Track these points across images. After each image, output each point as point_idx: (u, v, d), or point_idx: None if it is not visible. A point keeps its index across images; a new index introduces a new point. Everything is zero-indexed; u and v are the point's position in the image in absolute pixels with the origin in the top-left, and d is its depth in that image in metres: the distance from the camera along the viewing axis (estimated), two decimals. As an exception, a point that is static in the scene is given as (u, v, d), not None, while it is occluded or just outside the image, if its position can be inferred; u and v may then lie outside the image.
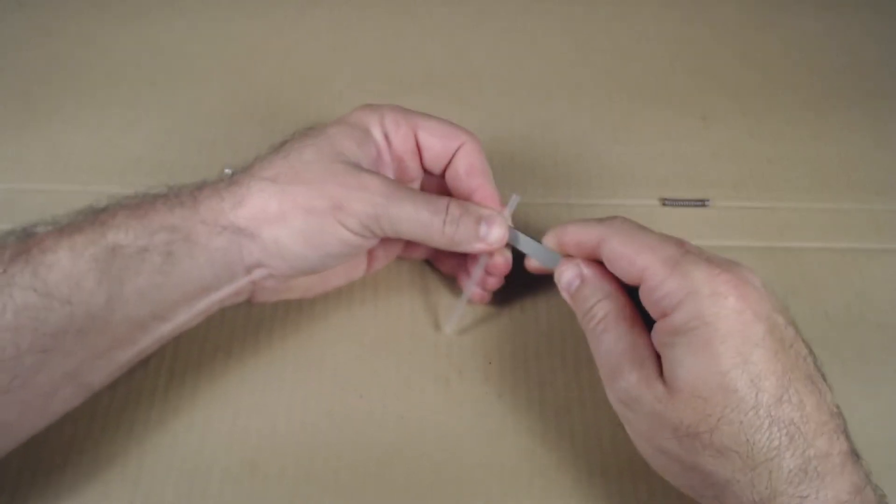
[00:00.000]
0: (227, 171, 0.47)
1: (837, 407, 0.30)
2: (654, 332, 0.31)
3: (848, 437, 0.29)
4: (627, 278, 0.32)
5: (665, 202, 0.47)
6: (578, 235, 0.34)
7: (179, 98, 0.52)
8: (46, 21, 0.56)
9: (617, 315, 0.32)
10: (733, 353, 0.28)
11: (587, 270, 0.34)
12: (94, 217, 0.33)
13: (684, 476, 0.30)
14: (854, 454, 0.29)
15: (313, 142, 0.35)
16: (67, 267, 0.31)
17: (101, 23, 0.56)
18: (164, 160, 0.48)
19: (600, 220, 0.34)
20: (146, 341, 0.34)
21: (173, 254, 0.32)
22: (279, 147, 0.36)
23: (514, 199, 0.38)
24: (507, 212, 0.38)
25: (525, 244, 0.37)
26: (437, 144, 0.38)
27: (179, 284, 0.33)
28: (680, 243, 0.32)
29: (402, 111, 0.38)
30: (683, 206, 0.47)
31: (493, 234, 0.36)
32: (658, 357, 0.31)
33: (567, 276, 0.35)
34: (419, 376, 0.40)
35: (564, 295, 0.35)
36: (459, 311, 0.40)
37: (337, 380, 0.40)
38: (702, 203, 0.47)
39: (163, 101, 0.51)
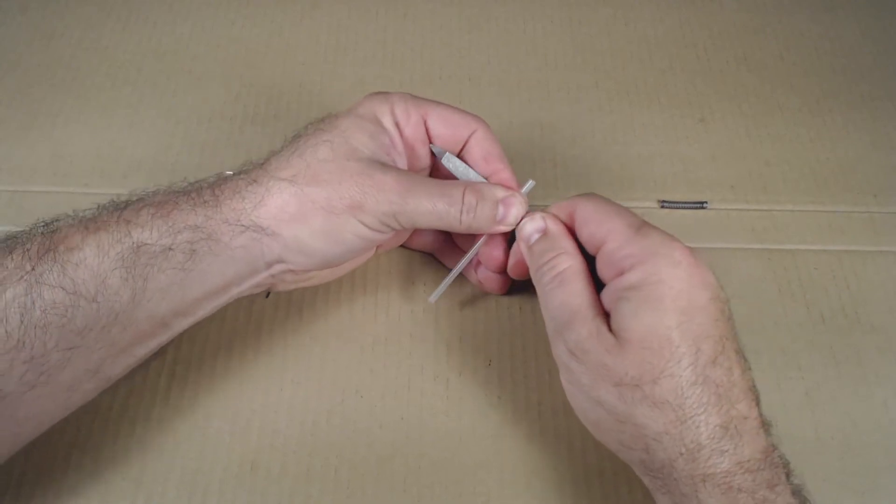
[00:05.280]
0: (228, 172, 0.47)
1: (754, 382, 0.32)
2: (606, 291, 0.33)
3: (760, 410, 0.31)
4: (591, 241, 0.34)
5: (663, 204, 0.47)
6: (555, 208, 0.36)
7: (181, 100, 0.52)
8: (49, 24, 0.56)
9: (576, 271, 0.34)
10: (681, 312, 0.30)
11: (552, 225, 0.36)
12: (118, 214, 0.33)
13: (616, 430, 0.32)
14: (765, 425, 0.31)
15: (328, 138, 0.36)
16: (94, 265, 0.31)
17: (104, 25, 0.56)
18: (166, 162, 0.48)
19: (575, 195, 0.36)
20: (166, 335, 0.35)
21: (196, 252, 0.33)
22: (293, 142, 0.36)
23: (530, 184, 0.39)
24: (523, 192, 0.39)
25: None
26: (447, 133, 0.39)
27: (201, 281, 0.34)
28: (639, 217, 0.34)
29: (411, 99, 0.38)
30: (681, 208, 0.47)
31: (511, 216, 0.37)
32: (607, 316, 0.32)
33: (529, 227, 0.36)
34: (419, 376, 0.40)
35: (522, 246, 0.37)
36: (446, 282, 0.40)
37: (337, 380, 0.40)
38: (700, 205, 0.47)
39: (165, 103, 0.52)
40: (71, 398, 0.33)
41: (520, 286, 0.43)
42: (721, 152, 0.50)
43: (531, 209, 0.38)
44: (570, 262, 0.34)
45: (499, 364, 0.41)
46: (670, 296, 0.31)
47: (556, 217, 0.36)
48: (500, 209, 0.37)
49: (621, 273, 0.32)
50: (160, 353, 0.40)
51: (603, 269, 0.34)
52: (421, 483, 0.37)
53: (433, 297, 0.41)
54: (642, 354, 0.30)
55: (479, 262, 0.41)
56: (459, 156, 0.39)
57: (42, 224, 0.33)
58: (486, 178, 0.39)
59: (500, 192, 0.37)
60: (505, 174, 0.38)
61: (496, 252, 0.39)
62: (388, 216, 0.35)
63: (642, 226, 0.33)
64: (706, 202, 0.48)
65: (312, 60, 0.55)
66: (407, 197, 0.35)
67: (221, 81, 0.53)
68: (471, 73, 0.54)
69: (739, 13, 0.59)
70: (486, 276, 0.41)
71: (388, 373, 0.40)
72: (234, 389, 0.40)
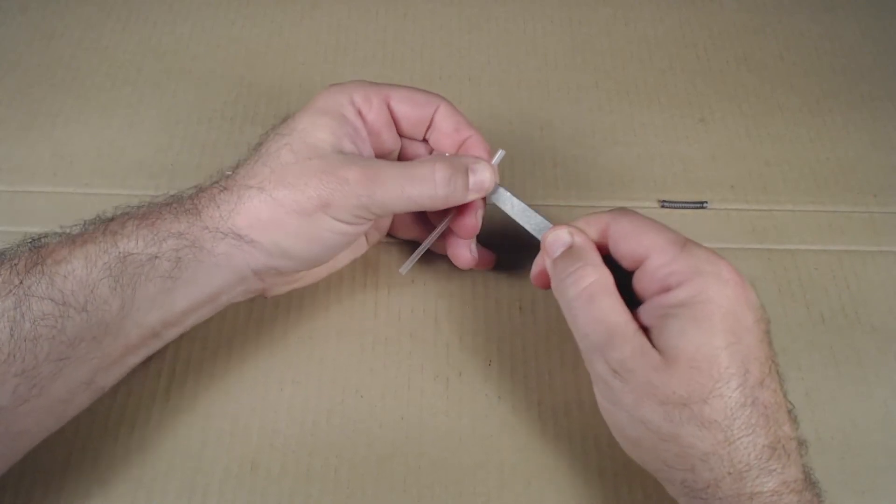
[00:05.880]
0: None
1: (791, 404, 0.32)
2: (646, 307, 0.32)
3: (798, 430, 0.32)
4: (630, 257, 0.33)
5: (663, 204, 0.47)
6: (586, 222, 0.35)
7: (181, 100, 0.52)
8: (49, 24, 0.56)
9: (604, 285, 0.33)
10: (730, 332, 0.30)
11: (578, 239, 0.35)
12: (104, 227, 0.33)
13: (659, 448, 0.31)
14: (801, 445, 0.31)
15: (287, 141, 0.35)
16: (82, 276, 0.31)
17: (104, 25, 0.56)
18: (166, 162, 0.48)
19: (608, 211, 0.35)
20: (157, 345, 0.35)
21: (182, 259, 0.33)
22: (257, 151, 0.36)
23: (500, 154, 0.39)
24: (494, 163, 0.38)
25: (516, 209, 0.38)
26: (411, 112, 0.38)
27: (189, 290, 0.34)
28: (679, 233, 0.33)
29: (370, 85, 0.38)
30: (682, 208, 0.47)
31: (479, 182, 0.36)
32: (644, 331, 0.32)
33: (555, 240, 0.35)
34: (419, 376, 0.40)
35: (547, 260, 0.36)
36: (417, 254, 0.40)
37: (337, 380, 0.40)
38: (700, 205, 0.47)
39: (165, 103, 0.52)
40: (65, 410, 0.33)
41: (519, 287, 0.43)
42: (721, 152, 0.50)
43: (547, 218, 0.38)
44: (597, 275, 0.33)
45: (499, 364, 0.41)
46: (719, 315, 0.30)
47: (582, 232, 0.35)
48: (472, 176, 0.36)
49: (666, 290, 0.31)
50: (160, 353, 0.40)
51: (644, 285, 0.33)
52: (421, 483, 0.37)
53: (404, 269, 0.40)
54: (690, 374, 0.30)
55: (451, 234, 0.40)
56: (427, 133, 0.39)
57: (29, 241, 0.33)
58: (459, 147, 0.38)
59: (467, 159, 0.37)
60: (476, 138, 0.38)
61: (468, 220, 0.38)
62: (359, 208, 0.35)
63: (686, 242, 0.32)
64: (706, 202, 0.48)
65: (312, 60, 0.55)
66: (373, 187, 0.34)
67: (221, 81, 0.53)
68: (471, 73, 0.54)
69: (739, 13, 0.59)
70: (455, 251, 0.40)
71: (388, 372, 0.40)
72: (234, 389, 0.40)
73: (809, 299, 0.44)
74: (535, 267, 0.38)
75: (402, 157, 0.41)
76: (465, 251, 0.40)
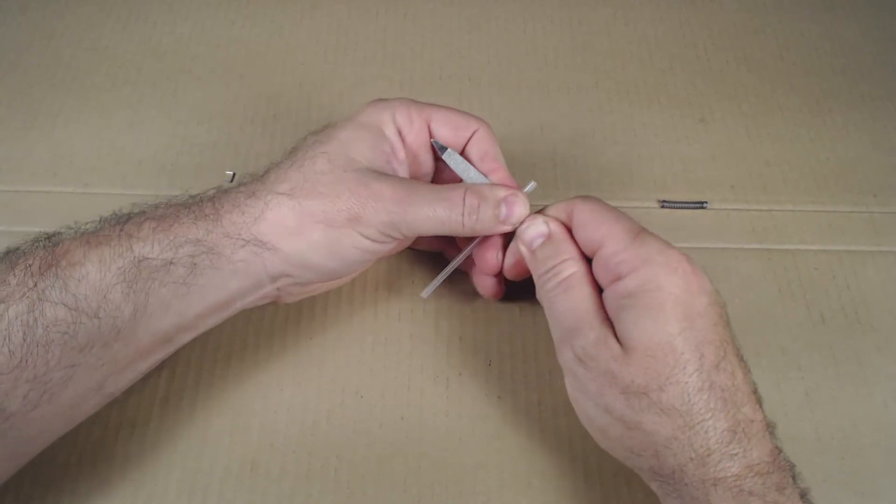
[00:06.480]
0: (228, 172, 0.48)
1: (756, 386, 0.32)
2: (605, 297, 0.33)
3: (764, 413, 0.32)
4: (588, 244, 0.34)
5: (663, 204, 0.47)
6: (554, 210, 0.36)
7: (181, 100, 0.52)
8: (49, 24, 0.56)
9: (580, 277, 0.34)
10: (682, 318, 0.30)
11: (555, 229, 0.35)
12: (120, 228, 0.33)
13: (625, 436, 0.32)
14: (770, 427, 0.31)
15: (325, 150, 0.35)
16: (95, 280, 0.31)
17: (104, 25, 0.56)
18: (165, 162, 0.48)
19: (573, 197, 0.36)
20: (170, 349, 0.35)
21: (198, 266, 0.33)
22: (292, 155, 0.36)
23: (532, 185, 0.39)
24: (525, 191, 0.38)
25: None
26: (449, 135, 0.38)
27: (204, 296, 0.33)
28: (637, 222, 0.34)
29: (413, 105, 0.38)
30: (681, 207, 0.47)
31: (514, 215, 0.36)
32: (610, 322, 0.32)
33: (532, 231, 0.36)
34: (419, 377, 0.40)
35: (523, 250, 0.36)
36: (440, 279, 0.40)
37: (337, 380, 0.40)
38: (700, 205, 0.47)
39: (164, 104, 0.52)
40: (74, 415, 0.33)
41: (518, 287, 0.43)
42: (721, 152, 0.50)
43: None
44: (575, 268, 0.34)
45: (499, 364, 0.41)
46: (670, 302, 0.31)
47: (557, 220, 0.36)
48: (503, 209, 0.36)
49: (618, 278, 0.32)
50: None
51: (599, 273, 0.33)
52: (421, 483, 0.37)
53: (426, 293, 0.40)
54: (647, 362, 0.30)
55: (474, 264, 0.40)
56: (461, 156, 0.39)
57: (44, 237, 0.33)
58: (486, 176, 0.38)
59: (502, 192, 0.36)
60: (500, 173, 0.38)
61: (489, 254, 0.38)
62: (388, 226, 0.35)
63: (640, 232, 0.33)
64: (706, 202, 0.48)
65: (312, 60, 0.55)
66: (405, 205, 0.34)
67: (221, 81, 0.53)
68: (471, 73, 0.54)
69: (739, 13, 0.59)
70: (480, 280, 0.40)
71: (388, 373, 0.40)
72: (234, 389, 0.40)
73: (809, 299, 0.44)
74: (511, 257, 0.38)
75: (436, 180, 0.41)
76: (489, 280, 0.40)
